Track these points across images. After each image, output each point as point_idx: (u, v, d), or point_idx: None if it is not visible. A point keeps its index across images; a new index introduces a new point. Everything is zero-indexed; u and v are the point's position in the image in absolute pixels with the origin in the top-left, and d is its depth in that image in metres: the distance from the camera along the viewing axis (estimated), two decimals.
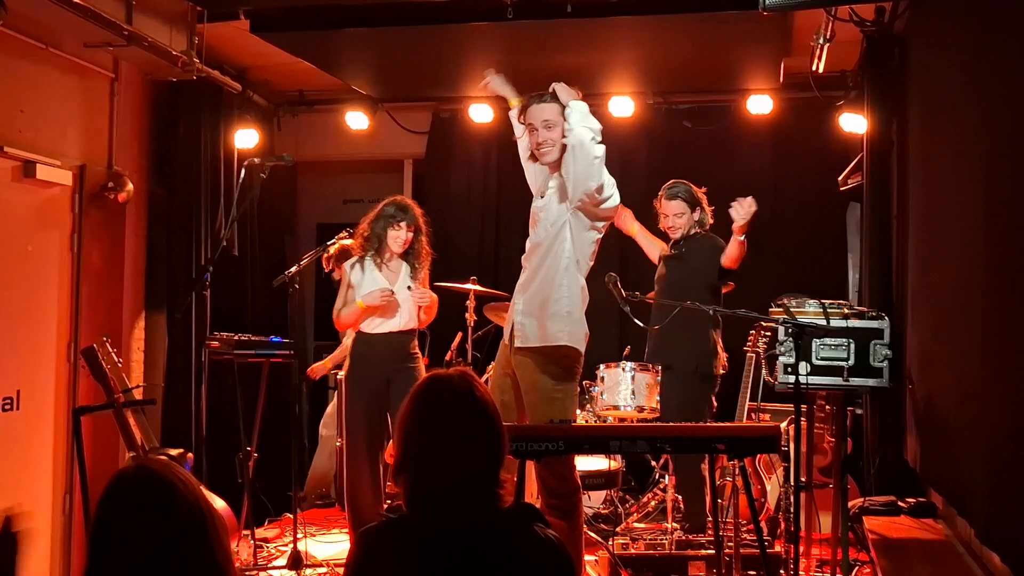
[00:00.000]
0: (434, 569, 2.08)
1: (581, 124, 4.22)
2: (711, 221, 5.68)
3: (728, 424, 5.09)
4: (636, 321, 4.92)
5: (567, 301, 4.36)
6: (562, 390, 4.35)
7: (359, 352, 5.43)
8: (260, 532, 6.06)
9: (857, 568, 4.83)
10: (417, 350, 5.50)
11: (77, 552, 5.72)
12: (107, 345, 4.80)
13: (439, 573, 2.07)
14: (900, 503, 4.85)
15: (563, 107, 4.32)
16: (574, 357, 4.39)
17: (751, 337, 5.55)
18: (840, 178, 6.40)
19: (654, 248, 6.01)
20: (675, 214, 5.63)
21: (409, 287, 5.38)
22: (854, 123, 6.36)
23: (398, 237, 5.37)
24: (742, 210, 5.11)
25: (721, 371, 5.80)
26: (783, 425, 5.14)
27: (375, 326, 5.38)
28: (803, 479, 4.72)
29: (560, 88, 4.37)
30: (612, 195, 4.32)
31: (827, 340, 4.42)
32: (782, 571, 4.75)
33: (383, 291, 5.29)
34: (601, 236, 4.47)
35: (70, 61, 5.70)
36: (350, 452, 5.37)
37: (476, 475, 2.15)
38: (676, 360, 5.53)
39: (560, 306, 4.35)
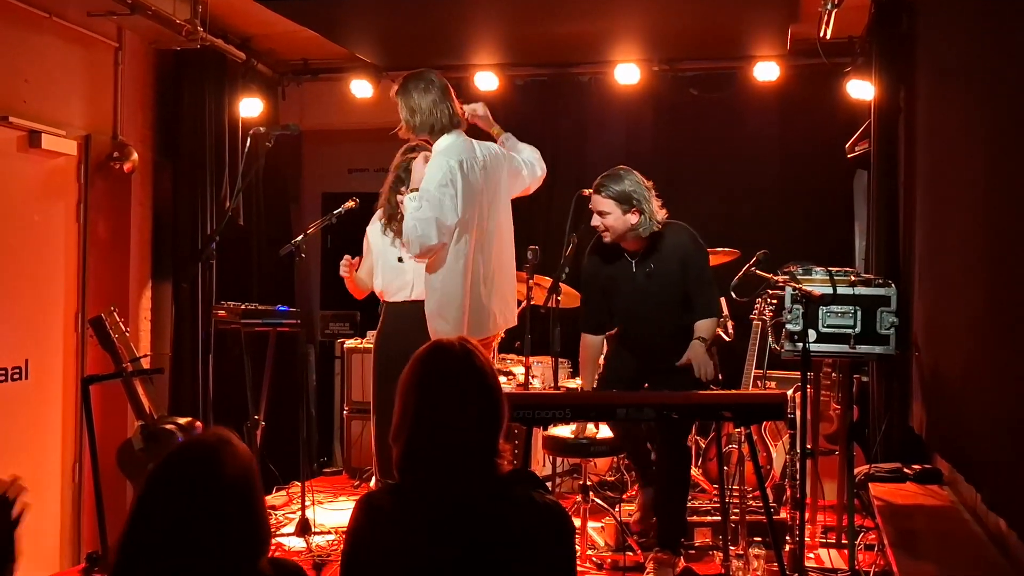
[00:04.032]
0: (432, 535, 2.09)
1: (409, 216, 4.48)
2: (660, 215, 4.57)
3: (734, 392, 5.11)
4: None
5: None
6: None
7: (386, 323, 5.22)
8: (268, 500, 6.10)
9: (863, 534, 4.85)
10: None
11: (87, 520, 5.76)
12: (115, 314, 4.81)
13: (437, 539, 2.09)
14: (906, 470, 4.86)
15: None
16: None
17: (757, 305, 5.54)
18: (847, 145, 6.37)
19: None
20: (600, 211, 4.52)
21: None
22: (862, 90, 6.31)
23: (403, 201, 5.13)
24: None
25: (727, 338, 5.80)
26: (789, 392, 5.15)
27: (394, 293, 5.18)
28: (809, 446, 4.72)
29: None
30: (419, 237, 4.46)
31: (834, 307, 4.42)
32: (788, 537, 4.78)
33: (346, 258, 5.23)
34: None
35: (74, 30, 5.68)
36: (380, 433, 5.12)
37: (472, 442, 2.16)
38: None
39: None
